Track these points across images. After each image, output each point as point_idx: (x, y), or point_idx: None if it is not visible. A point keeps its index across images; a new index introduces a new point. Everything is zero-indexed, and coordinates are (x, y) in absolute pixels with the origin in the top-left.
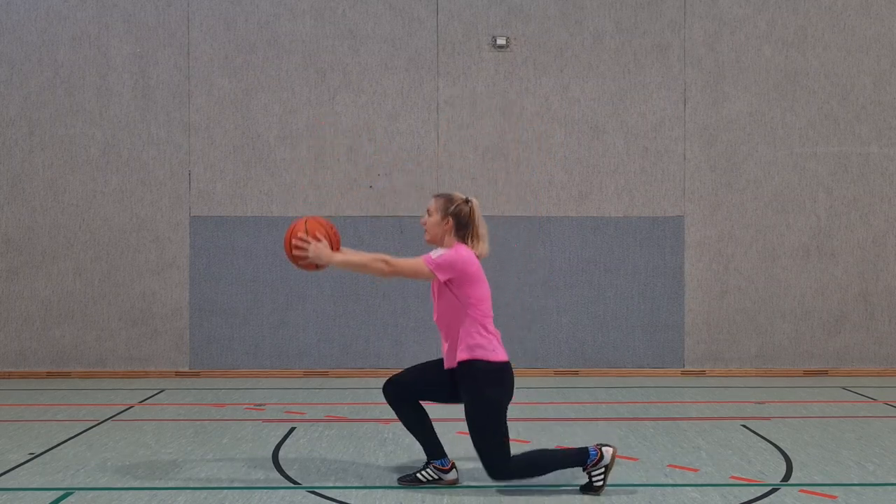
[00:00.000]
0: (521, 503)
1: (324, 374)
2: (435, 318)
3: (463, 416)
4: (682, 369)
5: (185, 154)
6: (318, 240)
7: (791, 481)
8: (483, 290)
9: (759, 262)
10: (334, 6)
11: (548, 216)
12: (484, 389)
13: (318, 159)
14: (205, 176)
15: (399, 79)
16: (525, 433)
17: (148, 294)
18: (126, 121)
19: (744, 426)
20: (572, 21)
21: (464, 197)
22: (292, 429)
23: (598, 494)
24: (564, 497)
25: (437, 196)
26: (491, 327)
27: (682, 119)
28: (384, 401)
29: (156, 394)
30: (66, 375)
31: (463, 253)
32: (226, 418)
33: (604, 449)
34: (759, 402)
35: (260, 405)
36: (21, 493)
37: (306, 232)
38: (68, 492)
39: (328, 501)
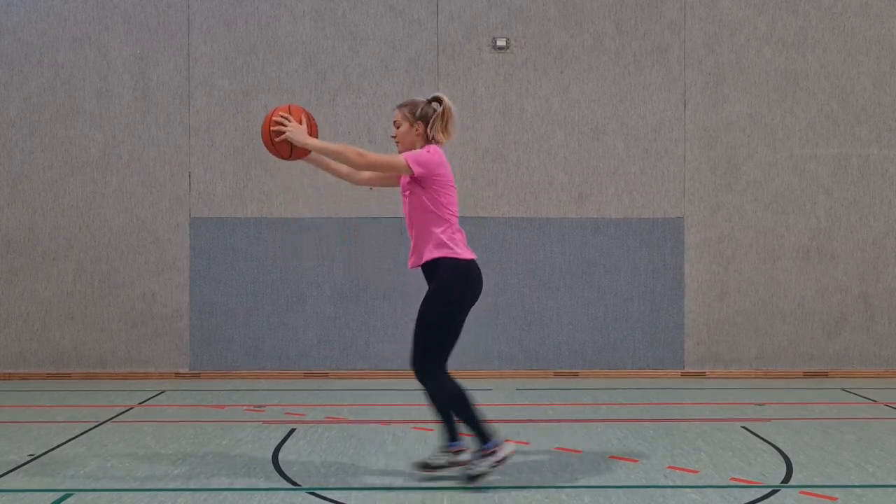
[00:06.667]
0: (520, 502)
1: (324, 376)
2: (404, 211)
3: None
4: (682, 371)
5: (186, 155)
6: (300, 122)
7: (791, 483)
8: (451, 193)
9: (759, 264)
10: (334, 7)
11: (548, 217)
12: (446, 284)
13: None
14: (205, 177)
15: (399, 80)
16: (525, 434)
17: (148, 295)
18: (126, 122)
19: (744, 428)
20: (572, 23)
21: (425, 98)
22: (292, 430)
23: (469, 482)
24: (564, 497)
25: (401, 106)
26: (457, 229)
27: (682, 120)
28: (385, 402)
29: (156, 395)
30: (66, 377)
31: (436, 152)
32: (226, 420)
33: (502, 447)
34: (759, 404)
35: (260, 406)
36: (21, 495)
37: (289, 112)
38: (68, 493)
39: (328, 503)
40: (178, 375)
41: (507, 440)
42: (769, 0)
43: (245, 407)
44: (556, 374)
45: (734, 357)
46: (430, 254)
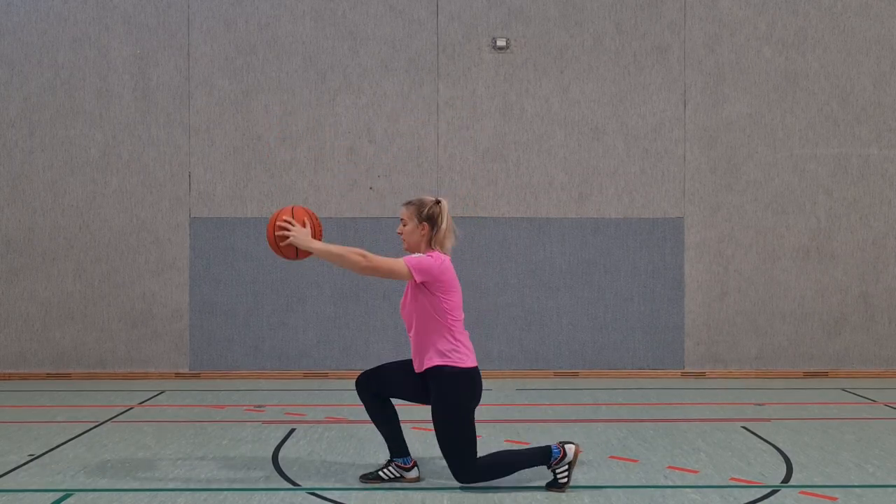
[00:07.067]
0: (520, 502)
1: (324, 376)
2: (403, 315)
3: None
4: (682, 371)
5: (186, 155)
6: (304, 225)
7: (791, 483)
8: (456, 298)
9: (759, 264)
10: (334, 7)
11: (548, 217)
12: (452, 394)
13: (319, 160)
14: (205, 177)
15: (399, 80)
16: (525, 435)
17: (148, 295)
18: (126, 122)
19: (744, 428)
20: (572, 23)
21: (434, 199)
22: (292, 430)
23: (563, 491)
24: (564, 497)
25: (408, 204)
26: (460, 333)
27: (681, 121)
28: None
29: (156, 395)
30: (66, 377)
31: (440, 260)
32: (226, 419)
33: (566, 447)
34: (758, 404)
35: (260, 406)
36: (21, 495)
37: (292, 216)
38: (68, 493)
39: (328, 503)
40: (178, 375)
41: (567, 442)
42: (769, 0)
43: (245, 407)
44: (556, 374)
45: (734, 357)
46: (432, 361)
